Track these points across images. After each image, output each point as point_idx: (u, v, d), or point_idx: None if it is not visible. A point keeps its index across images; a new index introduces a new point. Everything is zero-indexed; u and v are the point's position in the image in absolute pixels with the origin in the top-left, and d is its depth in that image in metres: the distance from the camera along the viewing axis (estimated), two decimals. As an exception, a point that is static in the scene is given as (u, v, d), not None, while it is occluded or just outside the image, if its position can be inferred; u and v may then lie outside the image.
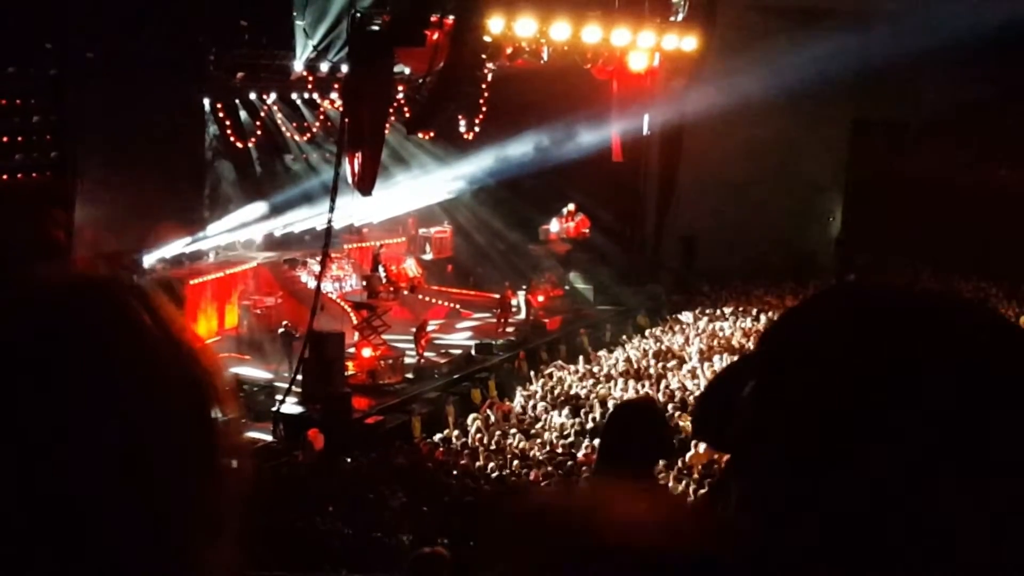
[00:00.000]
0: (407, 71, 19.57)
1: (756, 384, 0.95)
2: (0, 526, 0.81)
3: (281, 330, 18.25)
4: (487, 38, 17.42)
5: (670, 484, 10.79)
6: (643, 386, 16.64)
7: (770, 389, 0.92)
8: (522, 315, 22.31)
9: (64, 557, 0.82)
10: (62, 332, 0.87)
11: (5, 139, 15.97)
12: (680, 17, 20.80)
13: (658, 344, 20.25)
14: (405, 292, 20.42)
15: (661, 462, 4.39)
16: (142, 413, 0.86)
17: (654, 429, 3.82)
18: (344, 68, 18.83)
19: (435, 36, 16.85)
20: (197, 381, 0.91)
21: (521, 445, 14.06)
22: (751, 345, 19.18)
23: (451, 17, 16.83)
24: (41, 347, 0.85)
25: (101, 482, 0.83)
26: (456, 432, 15.17)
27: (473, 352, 19.65)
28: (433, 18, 16.79)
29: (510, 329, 21.52)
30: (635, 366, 18.27)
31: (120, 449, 0.85)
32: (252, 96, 21.47)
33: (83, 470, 0.83)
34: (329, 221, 17.16)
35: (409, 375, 17.90)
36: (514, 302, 22.30)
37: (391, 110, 19.61)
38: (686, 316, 22.80)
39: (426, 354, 18.78)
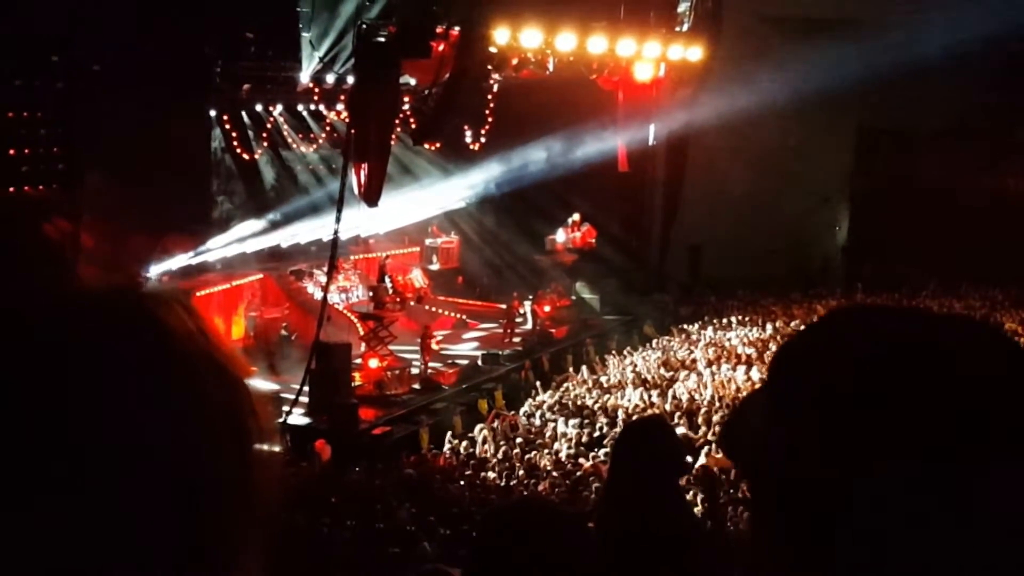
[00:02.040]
0: (413, 82, 19.60)
1: (763, 404, 1.02)
2: (30, 535, 0.81)
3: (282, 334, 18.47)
4: (493, 49, 17.44)
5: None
6: (651, 395, 16.62)
7: (774, 410, 1.00)
8: (528, 325, 22.31)
9: (95, 565, 0.82)
10: (103, 340, 0.87)
11: (12, 152, 16.03)
12: (686, 27, 20.81)
13: (665, 354, 20.23)
14: (412, 303, 20.42)
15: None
16: (183, 423, 0.86)
17: (668, 446, 3.81)
18: (350, 79, 18.87)
19: (441, 47, 16.88)
20: (234, 390, 0.91)
21: (528, 456, 14.05)
22: (756, 355, 19.20)
23: (457, 28, 16.85)
24: (82, 355, 0.85)
25: (142, 493, 0.83)
26: (465, 443, 15.15)
27: (480, 362, 19.65)
28: (439, 29, 16.83)
29: (516, 339, 21.52)
30: (642, 376, 18.25)
31: (162, 459, 0.85)
32: (258, 108, 21.54)
33: (124, 481, 0.83)
34: (335, 232, 17.20)
35: (416, 386, 17.90)
36: (520, 312, 22.30)
37: (397, 121, 19.65)
38: (693, 326, 22.79)
39: (433, 364, 18.77)
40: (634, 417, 15.29)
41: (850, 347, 0.97)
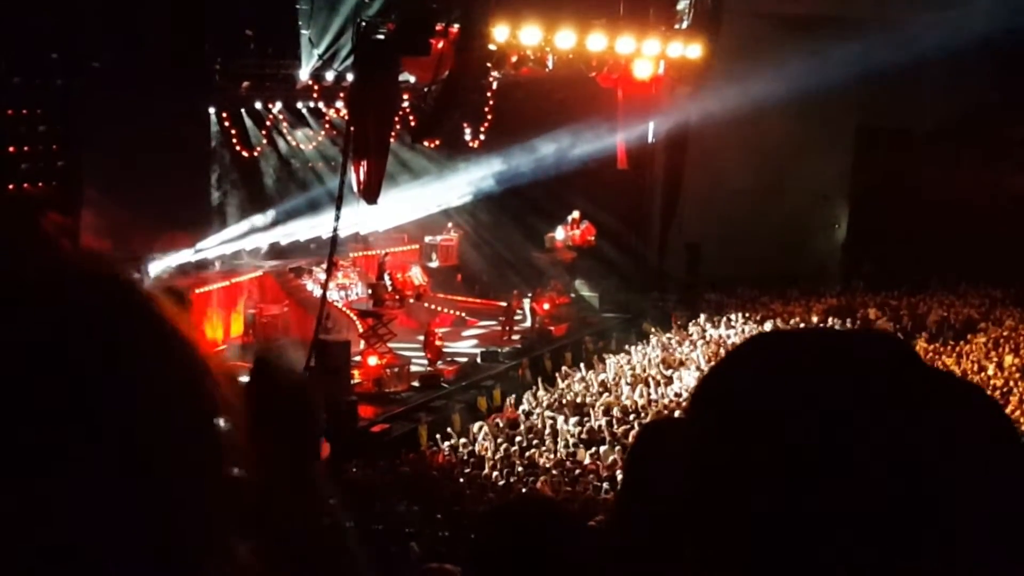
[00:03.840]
0: (412, 80, 19.60)
1: (684, 432, 1.09)
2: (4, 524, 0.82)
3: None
4: (492, 47, 17.44)
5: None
6: (649, 393, 16.64)
7: (694, 445, 1.05)
8: (528, 323, 22.31)
9: (60, 555, 0.82)
10: (85, 320, 0.88)
11: (11, 149, 16.00)
12: (685, 25, 20.81)
13: (664, 351, 20.24)
14: (411, 300, 20.42)
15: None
16: (153, 411, 0.87)
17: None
18: (349, 77, 18.87)
19: (440, 45, 16.88)
20: (205, 386, 0.92)
21: (528, 453, 14.06)
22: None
23: (456, 26, 16.86)
24: (66, 337, 0.86)
25: (104, 478, 0.84)
26: (463, 440, 15.16)
27: (479, 360, 19.65)
28: (438, 27, 16.83)
29: (516, 337, 21.52)
30: (641, 373, 18.26)
31: (128, 445, 0.85)
32: (258, 105, 21.52)
33: (88, 464, 0.83)
34: (334, 230, 17.21)
35: (415, 383, 17.91)
36: (520, 310, 22.29)
37: (396, 119, 19.64)
38: (692, 323, 22.78)
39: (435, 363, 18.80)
40: (631, 416, 15.32)
41: (748, 375, 1.02)
